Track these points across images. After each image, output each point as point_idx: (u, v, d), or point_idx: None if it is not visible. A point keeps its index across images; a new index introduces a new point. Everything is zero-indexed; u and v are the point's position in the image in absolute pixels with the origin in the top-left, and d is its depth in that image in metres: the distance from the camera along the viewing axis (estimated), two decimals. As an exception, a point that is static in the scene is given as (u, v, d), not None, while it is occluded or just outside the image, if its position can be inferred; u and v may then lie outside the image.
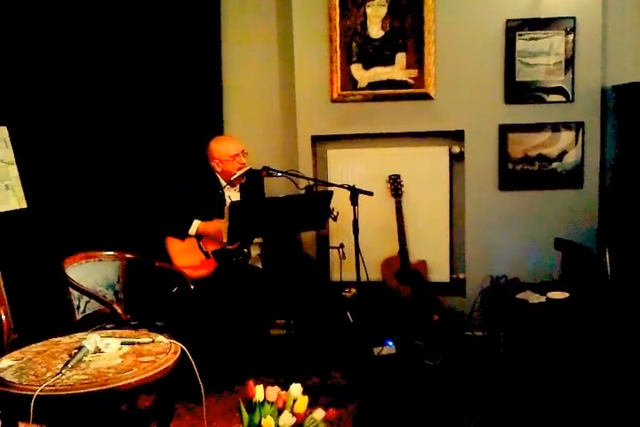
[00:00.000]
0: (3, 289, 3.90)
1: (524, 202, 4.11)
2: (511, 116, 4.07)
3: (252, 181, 3.84)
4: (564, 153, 4.06)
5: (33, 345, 2.44)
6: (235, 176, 3.65)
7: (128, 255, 3.42)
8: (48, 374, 2.11)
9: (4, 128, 3.98)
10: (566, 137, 4.04)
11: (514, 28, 3.99)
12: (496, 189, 4.14)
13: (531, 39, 4.00)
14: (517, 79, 4.03)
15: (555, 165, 4.08)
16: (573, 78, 3.98)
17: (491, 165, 4.13)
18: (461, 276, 4.28)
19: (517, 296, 3.67)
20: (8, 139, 3.99)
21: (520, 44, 4.00)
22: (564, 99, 4.00)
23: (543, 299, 3.60)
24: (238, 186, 3.84)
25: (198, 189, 3.70)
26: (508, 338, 3.56)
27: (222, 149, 3.71)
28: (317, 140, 4.35)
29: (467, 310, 4.15)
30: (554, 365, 3.30)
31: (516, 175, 4.11)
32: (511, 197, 4.13)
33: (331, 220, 3.54)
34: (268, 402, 2.34)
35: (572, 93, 3.99)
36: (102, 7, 4.31)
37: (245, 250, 3.78)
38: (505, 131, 4.09)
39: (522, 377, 3.31)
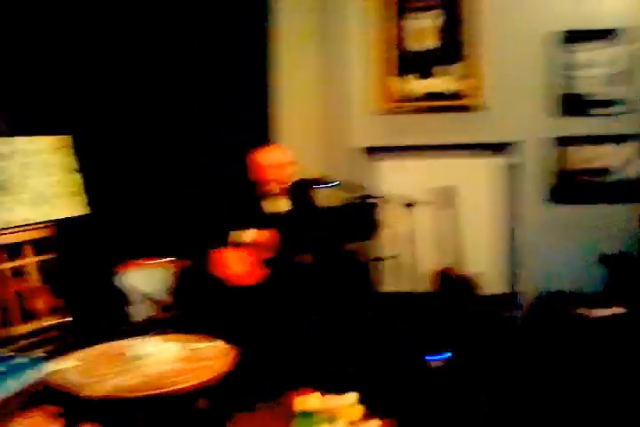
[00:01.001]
0: (65, 293, 4.01)
1: (581, 215, 4.05)
2: (567, 127, 4.02)
3: (302, 191, 3.85)
4: (622, 166, 3.98)
5: (94, 347, 2.50)
6: (279, 187, 3.68)
7: (183, 262, 3.47)
8: (108, 376, 2.15)
9: (69, 137, 4.11)
10: (626, 149, 3.96)
11: (571, 40, 3.95)
12: (551, 201, 4.08)
13: (588, 50, 3.95)
14: (574, 91, 3.98)
15: (612, 178, 4.00)
16: (633, 89, 3.91)
17: (545, 178, 4.07)
18: (516, 289, 4.21)
19: (574, 310, 3.61)
20: (72, 147, 4.12)
21: (577, 56, 3.96)
22: (623, 110, 3.93)
23: (601, 313, 3.52)
24: (287, 196, 3.86)
25: (249, 199, 3.74)
26: (565, 353, 3.48)
27: (263, 161, 3.75)
28: (369, 152, 4.35)
29: (521, 324, 4.09)
30: (611, 380, 3.22)
31: (571, 188, 4.05)
32: (567, 211, 4.07)
33: (382, 230, 3.53)
34: (323, 410, 2.34)
35: (632, 105, 3.91)
36: (157, 18, 4.43)
37: (297, 259, 3.80)
38: (560, 143, 4.03)
39: (579, 393, 3.23)
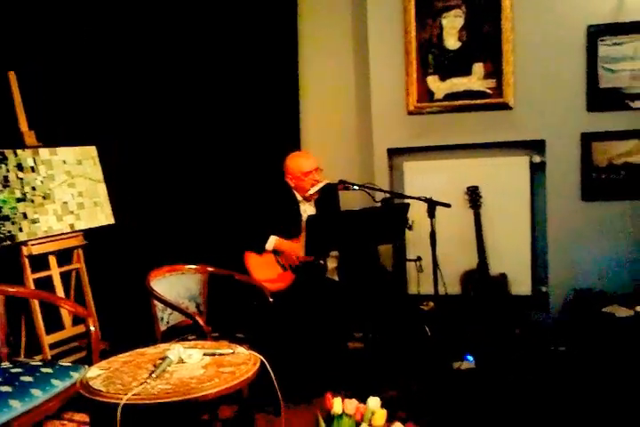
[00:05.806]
0: (92, 301, 4.08)
1: (610, 212, 3.97)
2: (594, 123, 3.95)
3: (328, 194, 3.85)
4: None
5: (120, 355, 2.51)
6: (309, 193, 3.70)
7: (209, 269, 3.49)
8: (134, 384, 2.17)
9: (94, 147, 4.18)
10: (656, 144, 3.88)
11: (595, 34, 3.88)
12: (579, 199, 4.02)
13: (614, 44, 3.87)
14: (600, 86, 3.91)
15: (643, 173, 3.92)
16: (661, 83, 3.83)
17: (573, 175, 4.02)
18: (544, 289, 4.15)
19: (603, 310, 3.56)
20: (97, 157, 4.18)
21: (603, 50, 3.89)
22: (652, 105, 3.85)
23: (631, 312, 3.47)
24: (314, 200, 3.88)
25: (275, 204, 3.75)
26: (594, 353, 3.43)
27: (295, 167, 3.75)
28: (394, 153, 4.34)
29: (550, 325, 4.03)
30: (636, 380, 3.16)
31: (600, 185, 3.98)
32: (596, 208, 3.99)
33: (408, 232, 3.52)
34: (347, 415, 2.33)
35: (660, 99, 3.84)
36: (181, 30, 4.49)
37: (322, 262, 3.81)
38: (588, 139, 3.96)
39: (607, 394, 3.17)
